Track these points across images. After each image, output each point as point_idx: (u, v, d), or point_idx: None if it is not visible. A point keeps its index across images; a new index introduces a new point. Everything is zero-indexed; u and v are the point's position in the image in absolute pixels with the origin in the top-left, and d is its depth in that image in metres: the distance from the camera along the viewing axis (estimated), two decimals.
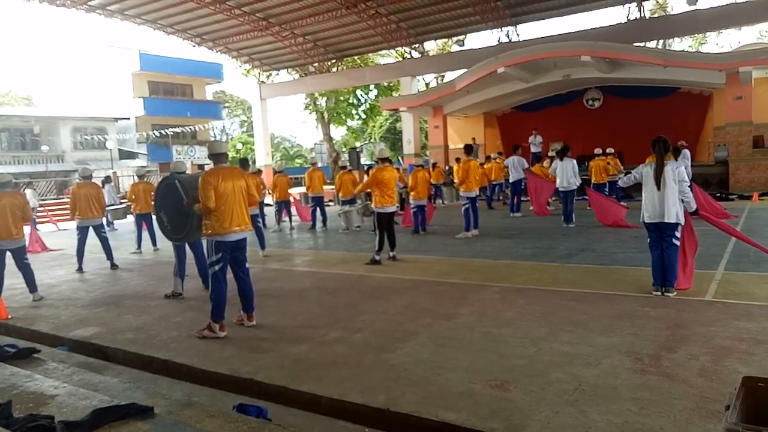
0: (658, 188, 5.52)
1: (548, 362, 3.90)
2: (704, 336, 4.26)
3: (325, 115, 39.82)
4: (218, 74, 40.46)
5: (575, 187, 11.48)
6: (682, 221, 5.54)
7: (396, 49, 28.53)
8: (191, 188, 5.51)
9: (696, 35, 32.80)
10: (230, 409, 3.22)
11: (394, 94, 35.36)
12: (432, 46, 32.19)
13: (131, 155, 36.35)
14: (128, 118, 36.49)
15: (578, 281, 6.46)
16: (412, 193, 11.68)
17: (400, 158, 28.41)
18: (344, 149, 44.75)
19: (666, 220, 5.49)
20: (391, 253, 8.71)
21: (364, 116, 42.65)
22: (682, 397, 3.23)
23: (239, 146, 52.57)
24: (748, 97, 17.02)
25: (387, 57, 33.67)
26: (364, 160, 39.20)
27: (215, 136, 49.52)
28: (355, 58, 32.51)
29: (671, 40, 29.77)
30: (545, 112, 22.16)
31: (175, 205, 5.81)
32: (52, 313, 6.39)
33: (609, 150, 15.18)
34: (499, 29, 24.57)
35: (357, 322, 5.21)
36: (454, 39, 28.19)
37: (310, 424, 3.40)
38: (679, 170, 5.60)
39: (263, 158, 31.71)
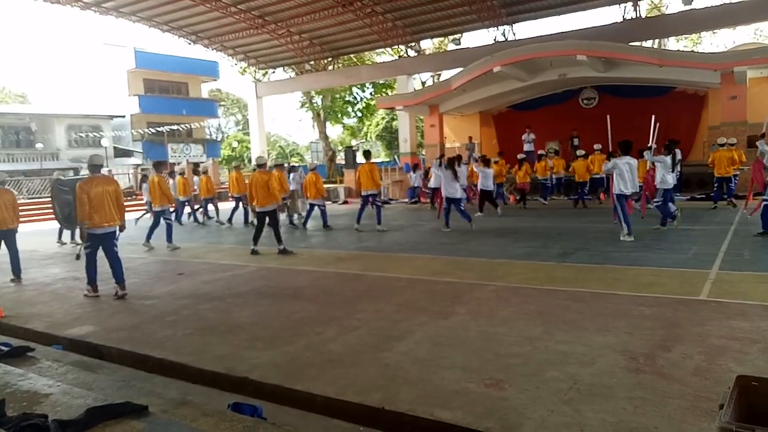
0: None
1: (543, 361, 3.91)
2: (699, 335, 4.27)
3: (321, 113, 39.79)
4: (214, 72, 40.33)
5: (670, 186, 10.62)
6: None
7: (392, 47, 28.52)
8: (72, 190, 7.25)
9: (691, 35, 32.89)
10: (225, 408, 3.21)
11: (390, 92, 35.37)
12: (428, 45, 32.20)
13: (126, 153, 36.23)
14: (123, 116, 36.35)
15: (573, 280, 6.47)
16: (307, 194, 13.60)
17: (396, 157, 28.39)
18: (340, 148, 44.74)
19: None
20: (280, 247, 9.80)
21: (360, 115, 42.62)
22: (677, 396, 3.24)
23: (235, 144, 52.47)
24: (742, 96, 17.09)
25: (383, 55, 33.66)
26: (360, 159, 39.23)
27: (211, 134, 49.43)
28: (352, 56, 32.47)
29: (666, 40, 29.84)
30: (541, 111, 22.20)
31: (66, 202, 7.77)
32: (47, 311, 6.36)
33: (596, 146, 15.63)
34: (495, 28, 24.60)
35: (352, 320, 5.21)
36: (450, 38, 28.22)
37: (305, 423, 3.39)
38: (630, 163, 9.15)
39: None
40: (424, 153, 25.82)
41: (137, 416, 2.81)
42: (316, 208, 13.89)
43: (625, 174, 9.39)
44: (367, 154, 13.72)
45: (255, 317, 5.55)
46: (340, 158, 38.75)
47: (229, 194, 17.20)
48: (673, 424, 2.92)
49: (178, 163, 24.68)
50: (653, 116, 10.87)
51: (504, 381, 3.59)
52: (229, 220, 16.01)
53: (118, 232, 7.21)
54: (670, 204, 10.47)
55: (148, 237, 11.54)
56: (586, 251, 8.34)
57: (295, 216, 14.94)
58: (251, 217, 13.56)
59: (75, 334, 5.34)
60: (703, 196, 14.70)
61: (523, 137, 19.96)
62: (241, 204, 15.88)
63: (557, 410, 3.14)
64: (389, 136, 42.25)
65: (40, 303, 6.86)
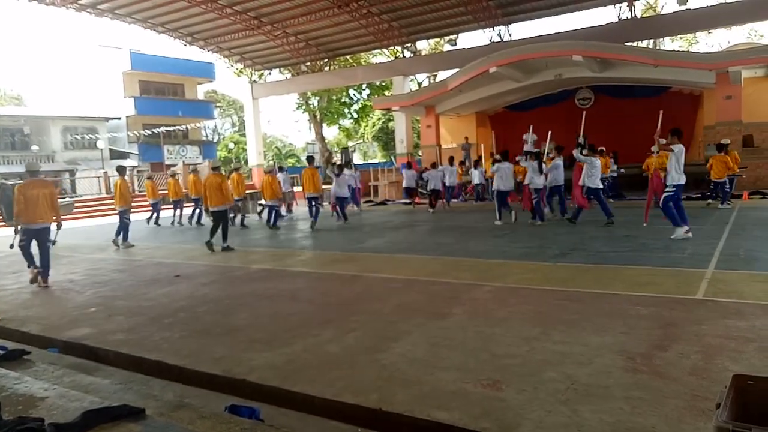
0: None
1: (540, 361, 3.91)
2: (695, 334, 4.28)
3: (318, 114, 39.78)
4: (210, 73, 40.34)
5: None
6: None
7: (388, 48, 28.55)
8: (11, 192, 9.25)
9: (686, 35, 33.01)
10: (222, 410, 3.20)
11: (386, 93, 35.39)
12: (424, 46, 32.24)
13: (122, 155, 36.17)
14: (119, 118, 36.32)
15: (570, 280, 6.48)
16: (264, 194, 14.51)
17: (392, 158, 28.40)
18: (337, 149, 44.74)
19: None
20: (224, 244, 10.60)
21: (356, 116, 42.65)
22: (674, 395, 3.24)
23: (231, 146, 52.42)
24: (737, 96, 17.16)
25: (379, 56, 33.68)
26: (357, 160, 39.26)
27: (207, 136, 49.38)
28: (348, 57, 32.50)
29: (662, 40, 29.96)
30: (537, 111, 22.22)
31: (8, 201, 9.63)
32: (43, 314, 6.34)
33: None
34: (491, 29, 24.63)
35: (350, 322, 5.21)
36: (446, 38, 28.24)
37: (303, 425, 3.39)
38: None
39: (255, 158, 31.67)
40: (420, 154, 25.84)
41: (134, 419, 2.81)
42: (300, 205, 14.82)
43: (504, 175, 12.31)
44: (310, 159, 15.51)
45: (252, 319, 5.54)
46: (337, 159, 38.73)
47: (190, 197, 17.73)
48: (670, 423, 2.92)
49: (174, 165, 24.69)
50: (659, 112, 11.16)
51: (501, 381, 3.59)
52: (198, 222, 16.58)
53: (55, 228, 8.36)
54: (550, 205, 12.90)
55: (122, 236, 12.33)
56: (583, 251, 8.36)
57: (239, 217, 15.71)
58: (204, 218, 15.51)
59: (71, 336, 5.32)
60: (699, 195, 14.74)
61: (525, 137, 19.97)
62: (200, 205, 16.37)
63: (555, 410, 3.14)
64: (385, 137, 42.31)
65: (35, 306, 6.84)
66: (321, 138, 41.08)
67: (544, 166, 12.50)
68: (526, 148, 19.72)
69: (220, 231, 10.80)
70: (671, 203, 8.95)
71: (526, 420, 3.05)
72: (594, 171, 11.25)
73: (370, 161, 44.46)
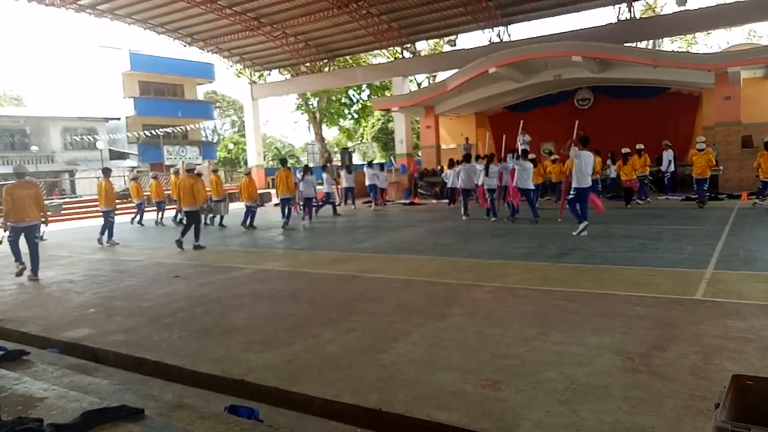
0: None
1: (540, 362, 3.91)
2: (694, 335, 4.29)
3: (317, 115, 39.76)
4: (209, 74, 40.30)
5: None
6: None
7: (387, 49, 28.54)
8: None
9: (685, 36, 33.01)
10: (222, 411, 3.20)
11: (386, 94, 35.38)
12: (423, 46, 32.24)
13: (122, 156, 36.17)
14: (119, 119, 36.29)
15: (569, 281, 6.49)
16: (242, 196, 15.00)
17: (392, 158, 28.41)
18: (336, 149, 44.74)
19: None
20: (195, 242, 11.13)
21: (356, 116, 42.62)
22: (673, 395, 3.24)
23: (231, 146, 52.41)
24: (737, 97, 17.15)
25: (379, 57, 33.68)
26: (357, 160, 39.26)
27: (206, 137, 49.37)
28: (347, 58, 32.47)
29: (661, 41, 29.95)
30: (536, 111, 22.22)
31: None
32: (42, 314, 6.33)
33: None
34: (491, 29, 24.61)
35: (349, 322, 5.21)
36: (446, 39, 28.22)
37: (303, 425, 3.39)
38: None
39: (255, 158, 31.65)
40: (420, 154, 25.84)
41: (133, 420, 2.81)
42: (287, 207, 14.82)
43: (466, 175, 13.90)
44: (283, 162, 16.18)
45: (251, 319, 5.54)
46: (337, 159, 38.73)
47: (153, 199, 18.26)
48: (669, 423, 2.93)
49: (174, 165, 24.76)
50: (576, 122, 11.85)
51: (500, 382, 3.59)
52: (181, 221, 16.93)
53: (42, 226, 8.95)
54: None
55: (105, 234, 12.91)
56: (582, 251, 8.36)
57: (218, 217, 16.18)
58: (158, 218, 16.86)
59: (70, 337, 5.32)
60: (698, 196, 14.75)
61: (518, 138, 19.96)
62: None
63: (554, 411, 3.14)
64: (385, 138, 42.28)
65: (35, 306, 6.84)
66: (321, 138, 41.06)
67: (493, 167, 13.60)
68: (522, 148, 19.75)
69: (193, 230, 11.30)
70: (577, 204, 10.12)
71: (525, 420, 3.05)
72: (524, 174, 12.52)
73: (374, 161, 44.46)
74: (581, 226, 9.90)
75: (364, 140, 47.07)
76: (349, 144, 45.33)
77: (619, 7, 22.11)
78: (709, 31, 30.28)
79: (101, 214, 13.32)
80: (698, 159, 13.36)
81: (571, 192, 10.31)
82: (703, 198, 13.45)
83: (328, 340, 4.70)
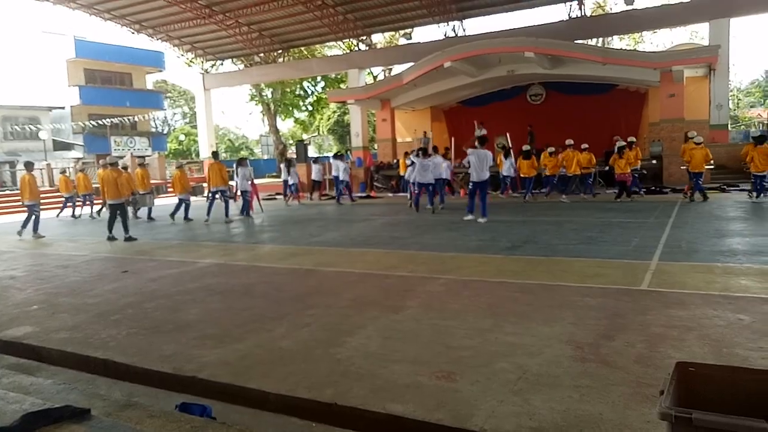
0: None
1: (493, 352, 3.97)
2: (640, 324, 4.44)
3: (272, 106, 39.20)
4: (159, 63, 39.16)
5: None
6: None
7: (343, 41, 28.37)
8: None
9: (633, 34, 34.08)
10: (173, 409, 3.13)
11: (341, 86, 35.19)
12: (379, 39, 32.20)
13: (67, 146, 34.82)
14: (63, 107, 34.87)
15: (521, 272, 6.61)
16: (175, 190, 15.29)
17: (348, 151, 28.32)
18: (291, 141, 44.27)
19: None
20: (126, 234, 11.34)
21: (311, 108, 42.23)
22: (620, 383, 3.35)
23: (182, 138, 51.15)
24: (680, 94, 17.85)
25: (334, 49, 33.45)
26: (313, 153, 38.93)
27: (156, 127, 48.02)
28: (302, 49, 32.12)
29: (610, 39, 30.84)
30: (490, 106, 22.57)
31: None
32: None
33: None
34: (446, 24, 24.82)
35: (304, 316, 5.16)
36: (402, 32, 28.30)
37: (257, 422, 3.35)
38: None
39: (207, 150, 30.98)
40: (376, 147, 25.85)
41: (78, 420, 2.70)
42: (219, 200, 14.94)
43: (420, 169, 13.97)
44: (215, 154, 16.48)
45: (204, 315, 5.42)
46: (291, 152, 38.34)
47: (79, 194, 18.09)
48: (617, 410, 3.02)
49: (122, 157, 23.97)
50: (507, 134, 13.23)
51: (455, 373, 3.63)
52: (99, 213, 17.60)
53: None
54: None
55: (27, 227, 12.95)
56: (534, 244, 8.54)
57: (145, 210, 16.14)
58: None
59: (11, 335, 5.08)
60: (644, 190, 15.28)
61: (475, 132, 20.19)
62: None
63: (507, 400, 3.20)
64: (341, 130, 42.11)
65: None
66: (275, 130, 40.52)
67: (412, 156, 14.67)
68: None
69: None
70: (474, 195, 11.74)
71: (479, 410, 3.09)
72: (423, 171, 13.88)
73: (325, 154, 44.22)
74: (470, 216, 11.54)
75: (320, 133, 46.73)
76: (305, 136, 44.90)
77: (570, 5, 22.63)
78: (654, 30, 31.31)
79: (25, 207, 13.28)
80: (697, 153, 13.31)
81: (470, 185, 11.93)
82: (701, 189, 13.35)
83: (282, 335, 4.65)
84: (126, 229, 11.49)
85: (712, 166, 14.19)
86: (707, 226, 9.55)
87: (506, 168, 16.79)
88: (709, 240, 8.10)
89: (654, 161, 17.60)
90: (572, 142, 15.39)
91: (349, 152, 27.75)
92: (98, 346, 4.62)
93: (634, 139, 15.65)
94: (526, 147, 15.84)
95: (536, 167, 15.94)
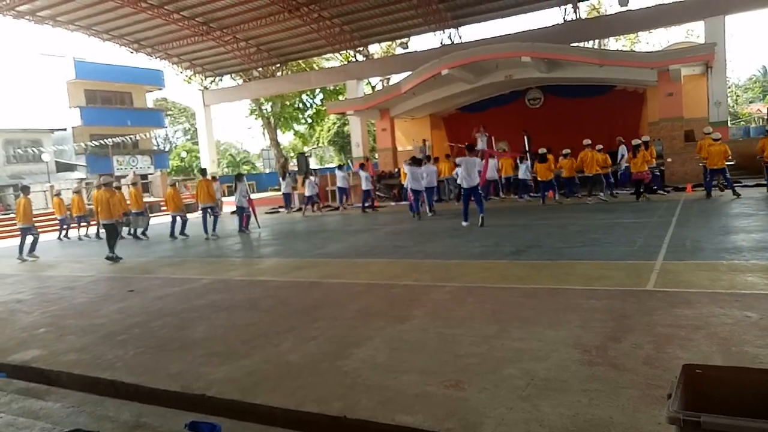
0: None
1: (500, 359, 3.96)
2: (647, 325, 4.42)
3: (272, 120, 39.37)
4: (159, 81, 39.36)
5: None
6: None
7: (340, 52, 28.52)
8: None
9: (629, 35, 34.17)
10: (182, 428, 3.13)
11: (340, 97, 35.33)
12: (376, 49, 32.34)
13: (70, 167, 34.96)
14: (65, 129, 35.06)
15: (526, 277, 6.60)
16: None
17: (350, 162, 28.37)
18: (292, 154, 44.38)
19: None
20: (109, 253, 11.26)
21: (311, 121, 42.39)
22: (629, 385, 3.33)
23: (183, 154, 51.35)
24: (678, 93, 17.85)
25: (332, 60, 33.62)
26: (314, 165, 39.04)
27: (158, 145, 48.22)
28: (300, 62, 32.30)
29: (606, 40, 30.91)
30: (489, 112, 22.59)
31: None
32: None
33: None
34: (442, 31, 24.92)
35: (310, 329, 5.16)
36: (398, 42, 28.42)
37: None
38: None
39: (209, 166, 31.07)
40: (377, 157, 25.90)
41: None
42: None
43: (417, 177, 14.60)
44: (203, 171, 16.52)
45: (210, 332, 5.43)
46: (293, 165, 38.45)
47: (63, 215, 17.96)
48: (627, 413, 3.01)
49: (117, 178, 24.16)
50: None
51: (463, 381, 3.62)
52: (97, 234, 17.26)
53: None
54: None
55: (28, 249, 12.91)
56: (538, 248, 8.53)
57: (140, 230, 16.12)
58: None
59: (19, 359, 5.10)
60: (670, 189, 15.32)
61: (477, 136, 20.23)
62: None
63: (516, 407, 3.19)
64: (341, 141, 42.24)
65: None
66: (276, 144, 40.67)
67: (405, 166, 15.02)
68: (479, 147, 20.06)
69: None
70: (467, 202, 11.99)
71: (488, 418, 3.08)
72: (414, 179, 14.54)
73: (327, 166, 44.31)
74: (465, 223, 11.69)
75: (320, 144, 46.87)
76: (306, 149, 45.04)
77: (565, 9, 22.72)
78: (650, 30, 31.39)
79: (19, 231, 13.25)
80: (714, 149, 13.19)
81: (462, 190, 12.25)
82: (731, 185, 13.27)
83: (289, 349, 4.65)
84: (111, 248, 11.36)
85: (732, 162, 14.04)
86: (711, 223, 9.53)
87: (522, 171, 16.84)
88: (713, 237, 8.08)
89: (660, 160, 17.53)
90: (590, 141, 15.34)
91: (350, 162, 27.80)
92: (106, 367, 4.63)
93: (648, 138, 15.62)
94: (542, 150, 15.73)
95: (553, 170, 15.90)
